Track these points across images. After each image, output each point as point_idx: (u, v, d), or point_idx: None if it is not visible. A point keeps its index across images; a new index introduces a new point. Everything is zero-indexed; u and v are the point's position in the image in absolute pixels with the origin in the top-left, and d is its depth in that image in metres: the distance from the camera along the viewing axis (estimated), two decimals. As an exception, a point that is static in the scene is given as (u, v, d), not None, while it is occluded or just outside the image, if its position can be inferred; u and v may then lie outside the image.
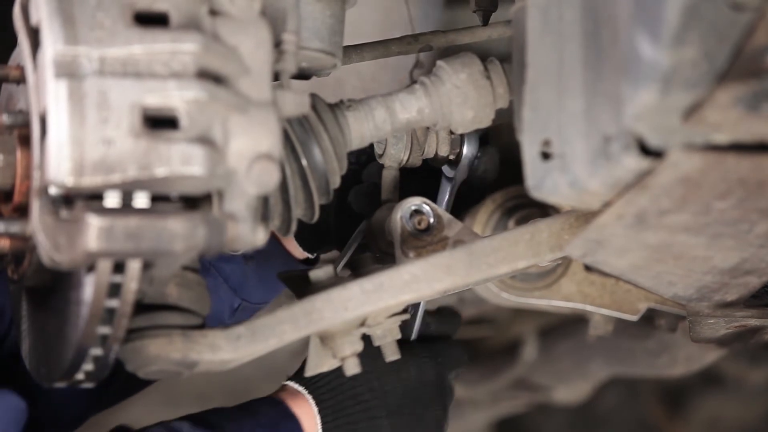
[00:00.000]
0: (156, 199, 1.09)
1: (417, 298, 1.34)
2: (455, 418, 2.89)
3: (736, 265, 1.26)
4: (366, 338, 1.35)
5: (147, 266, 1.12)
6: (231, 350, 1.24)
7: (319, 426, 1.42)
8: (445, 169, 1.58)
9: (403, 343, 1.39)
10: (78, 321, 1.14)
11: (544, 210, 1.70)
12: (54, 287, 1.24)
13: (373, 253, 1.53)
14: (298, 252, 1.66)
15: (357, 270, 1.41)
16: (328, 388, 1.44)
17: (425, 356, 1.47)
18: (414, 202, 1.41)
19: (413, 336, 1.53)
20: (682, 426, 3.39)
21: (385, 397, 1.43)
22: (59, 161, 1.06)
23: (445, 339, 1.55)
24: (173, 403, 2.45)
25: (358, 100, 1.38)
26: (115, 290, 1.10)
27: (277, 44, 1.21)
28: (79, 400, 1.58)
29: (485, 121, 1.39)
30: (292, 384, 1.47)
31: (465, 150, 1.54)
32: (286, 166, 1.29)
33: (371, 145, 1.48)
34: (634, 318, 1.83)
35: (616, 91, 1.03)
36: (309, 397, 1.43)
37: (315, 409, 1.42)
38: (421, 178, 1.58)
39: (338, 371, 1.41)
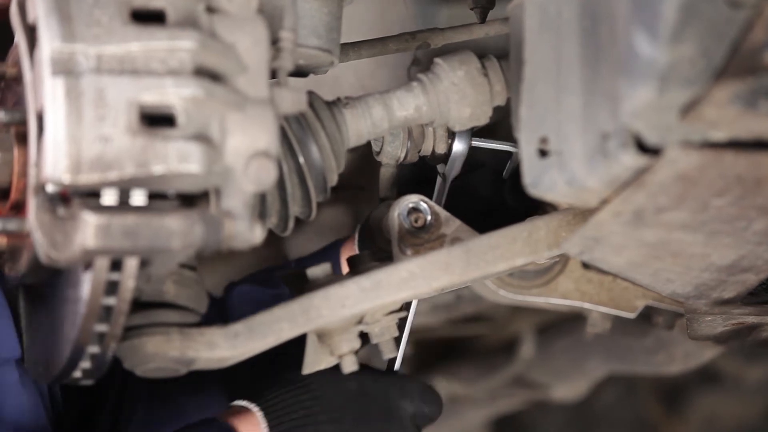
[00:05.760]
0: (153, 196, 1.09)
1: (415, 295, 1.34)
2: (453, 415, 2.90)
3: (733, 262, 1.26)
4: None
5: (144, 264, 1.12)
6: (229, 348, 1.24)
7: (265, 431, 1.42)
8: (440, 166, 1.58)
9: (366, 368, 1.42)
10: (75, 319, 1.14)
11: (541, 207, 1.70)
12: (51, 285, 1.24)
13: (371, 250, 1.52)
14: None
15: (355, 268, 1.41)
16: (272, 396, 1.44)
17: (369, 375, 1.47)
18: (411, 199, 1.41)
19: (397, 364, 1.52)
20: (679, 423, 3.39)
21: (326, 404, 1.43)
22: (56, 159, 1.05)
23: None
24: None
25: (355, 97, 1.38)
26: (112, 288, 1.10)
27: (274, 42, 1.21)
28: None
29: (482, 118, 1.39)
30: (237, 402, 1.46)
31: (455, 146, 1.54)
32: (284, 164, 1.29)
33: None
34: (631, 315, 1.83)
35: (613, 89, 1.03)
36: (254, 408, 1.43)
37: (260, 416, 1.42)
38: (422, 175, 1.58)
39: (282, 383, 1.43)
